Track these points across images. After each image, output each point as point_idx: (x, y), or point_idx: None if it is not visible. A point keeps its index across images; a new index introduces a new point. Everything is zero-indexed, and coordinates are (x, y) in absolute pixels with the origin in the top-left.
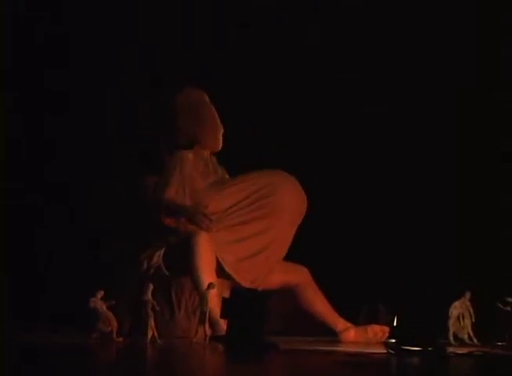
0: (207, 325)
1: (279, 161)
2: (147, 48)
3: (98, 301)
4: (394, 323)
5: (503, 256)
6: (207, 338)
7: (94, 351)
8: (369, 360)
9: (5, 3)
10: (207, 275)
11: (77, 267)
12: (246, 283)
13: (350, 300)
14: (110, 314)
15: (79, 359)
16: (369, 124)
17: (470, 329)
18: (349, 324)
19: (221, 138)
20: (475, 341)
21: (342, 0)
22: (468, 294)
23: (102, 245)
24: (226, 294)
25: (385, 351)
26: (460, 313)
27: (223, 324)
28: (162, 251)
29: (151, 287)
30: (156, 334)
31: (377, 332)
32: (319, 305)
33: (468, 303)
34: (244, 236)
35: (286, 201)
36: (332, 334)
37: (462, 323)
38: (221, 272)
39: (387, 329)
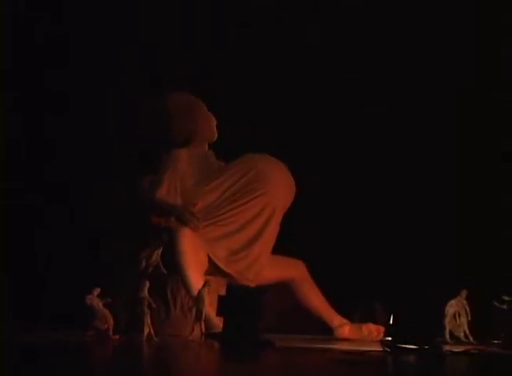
0: (203, 323)
1: (280, 160)
2: (147, 48)
3: (94, 299)
4: (391, 322)
5: (501, 255)
6: (203, 336)
7: (90, 349)
8: (365, 358)
9: (5, 3)
10: (192, 271)
11: (77, 267)
12: (241, 279)
13: (347, 297)
14: (107, 311)
15: (76, 357)
16: (369, 124)
17: (466, 327)
18: (345, 321)
19: (215, 128)
20: (471, 339)
21: (342, 0)
22: (464, 293)
23: (102, 245)
24: (222, 292)
25: (381, 349)
26: (456, 311)
27: (217, 321)
28: (160, 250)
29: (147, 284)
30: (152, 331)
31: (372, 331)
32: (315, 300)
33: (464, 301)
34: (233, 230)
35: (273, 185)
36: (328, 332)
37: (458, 321)
38: (214, 268)
39: (382, 329)
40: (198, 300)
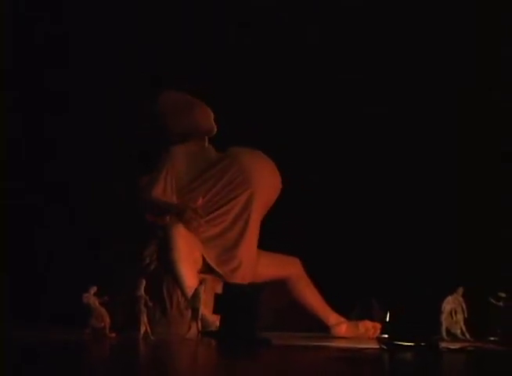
0: (199, 321)
1: (280, 160)
2: (147, 48)
3: (91, 297)
4: (387, 319)
5: (498, 253)
6: (200, 334)
7: (87, 348)
8: (362, 356)
9: (5, 3)
10: (186, 269)
11: (77, 267)
12: (232, 279)
13: (344, 294)
14: (103, 310)
15: (74, 356)
16: (369, 124)
17: (462, 324)
18: (342, 319)
19: (213, 121)
20: (468, 336)
21: (342, 0)
22: (461, 290)
23: (102, 245)
24: (218, 290)
25: (378, 346)
26: (453, 308)
27: (213, 319)
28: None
29: (144, 282)
30: (148, 329)
31: (369, 328)
32: (312, 298)
33: (461, 298)
34: (223, 229)
35: (255, 182)
36: (325, 330)
37: (454, 318)
38: (208, 268)
39: (378, 326)
40: (194, 298)
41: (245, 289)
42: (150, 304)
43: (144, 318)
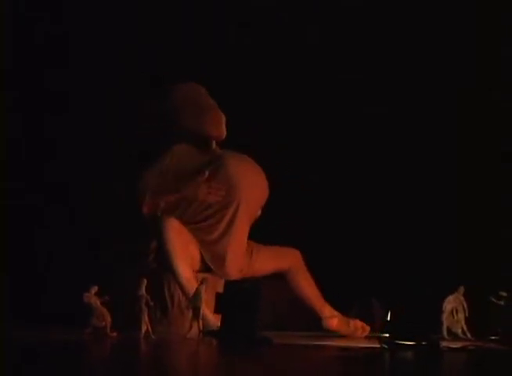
0: (200, 320)
1: (280, 160)
2: (147, 48)
3: (92, 297)
4: (388, 318)
5: (498, 252)
6: (201, 333)
7: (88, 347)
8: (362, 355)
9: (5, 3)
10: (179, 260)
11: (77, 267)
12: (226, 277)
13: (345, 294)
14: (104, 309)
15: (75, 356)
16: (369, 124)
17: (463, 323)
18: (335, 313)
19: (224, 126)
20: (469, 335)
21: (342, 0)
22: (462, 289)
23: (102, 245)
24: (219, 289)
25: (379, 345)
26: (454, 307)
27: (214, 318)
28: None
29: (145, 282)
30: (150, 329)
31: (358, 328)
32: (308, 289)
33: (462, 297)
34: (220, 234)
35: (239, 188)
36: (324, 330)
37: (455, 318)
38: (207, 267)
39: (367, 328)
40: (195, 297)
41: (246, 287)
42: (151, 303)
43: (145, 317)
